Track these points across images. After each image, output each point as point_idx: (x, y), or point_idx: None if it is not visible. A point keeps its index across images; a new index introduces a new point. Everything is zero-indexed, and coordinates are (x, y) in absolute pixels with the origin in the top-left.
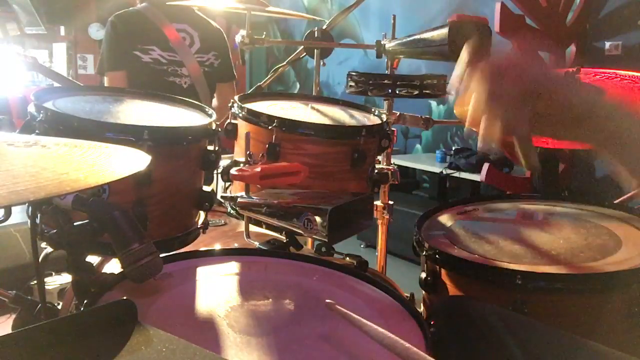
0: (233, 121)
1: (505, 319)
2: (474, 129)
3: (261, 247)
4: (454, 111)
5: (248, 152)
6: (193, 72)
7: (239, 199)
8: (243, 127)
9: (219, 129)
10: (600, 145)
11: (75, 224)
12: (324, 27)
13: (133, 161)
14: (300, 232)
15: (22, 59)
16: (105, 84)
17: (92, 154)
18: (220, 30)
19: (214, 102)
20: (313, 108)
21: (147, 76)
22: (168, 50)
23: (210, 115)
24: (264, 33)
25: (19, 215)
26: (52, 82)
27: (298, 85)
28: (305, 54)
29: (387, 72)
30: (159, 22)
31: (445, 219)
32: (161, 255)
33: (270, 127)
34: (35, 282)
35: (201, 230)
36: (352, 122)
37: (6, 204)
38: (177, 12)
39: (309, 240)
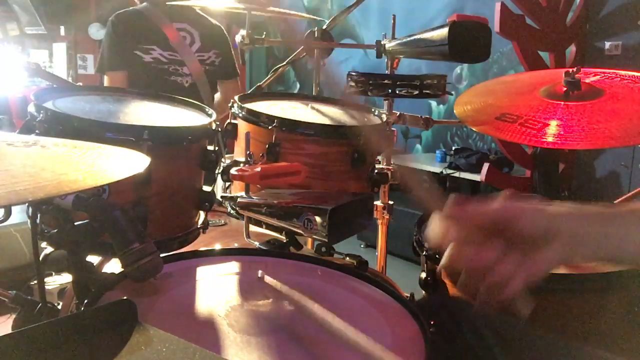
0: (233, 121)
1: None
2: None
3: (261, 247)
4: (454, 111)
5: (248, 152)
6: (194, 70)
7: (239, 199)
8: (243, 127)
9: (219, 129)
10: (571, 257)
11: (75, 223)
12: (324, 27)
13: (132, 162)
14: (300, 232)
15: (26, 66)
16: (105, 84)
17: (91, 155)
18: (221, 27)
19: (217, 98)
20: (313, 108)
21: (148, 75)
22: (168, 49)
23: (210, 115)
24: (264, 33)
25: (19, 215)
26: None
27: (298, 85)
28: (305, 54)
29: (387, 72)
30: (159, 21)
31: None
32: (161, 255)
33: (270, 127)
34: (35, 282)
35: (201, 230)
36: (352, 122)
37: (5, 203)
38: (177, 11)
39: (309, 240)
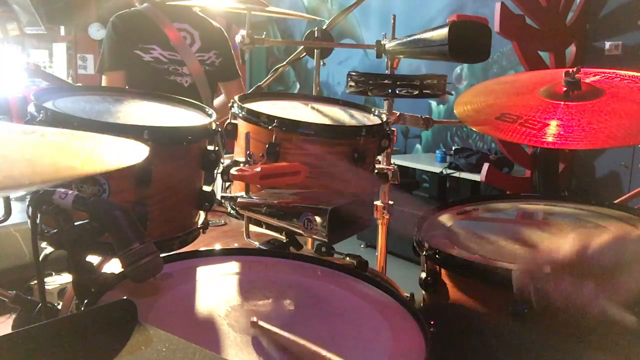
0: (233, 121)
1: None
2: None
3: (261, 247)
4: (454, 111)
5: (248, 152)
6: (194, 71)
7: (239, 199)
8: (243, 127)
9: (219, 129)
10: None
11: (75, 223)
12: (324, 27)
13: (131, 153)
14: (300, 232)
15: (26, 66)
16: (104, 84)
17: (90, 144)
18: (221, 29)
19: (220, 100)
20: (313, 108)
21: (148, 75)
22: (169, 49)
23: (210, 115)
24: (264, 33)
25: (19, 215)
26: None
27: (298, 85)
28: (305, 54)
29: (387, 72)
30: (160, 21)
31: (445, 219)
32: (161, 255)
33: (270, 127)
34: (35, 282)
35: (201, 230)
36: (352, 122)
37: (2, 187)
38: (177, 12)
39: (309, 240)
